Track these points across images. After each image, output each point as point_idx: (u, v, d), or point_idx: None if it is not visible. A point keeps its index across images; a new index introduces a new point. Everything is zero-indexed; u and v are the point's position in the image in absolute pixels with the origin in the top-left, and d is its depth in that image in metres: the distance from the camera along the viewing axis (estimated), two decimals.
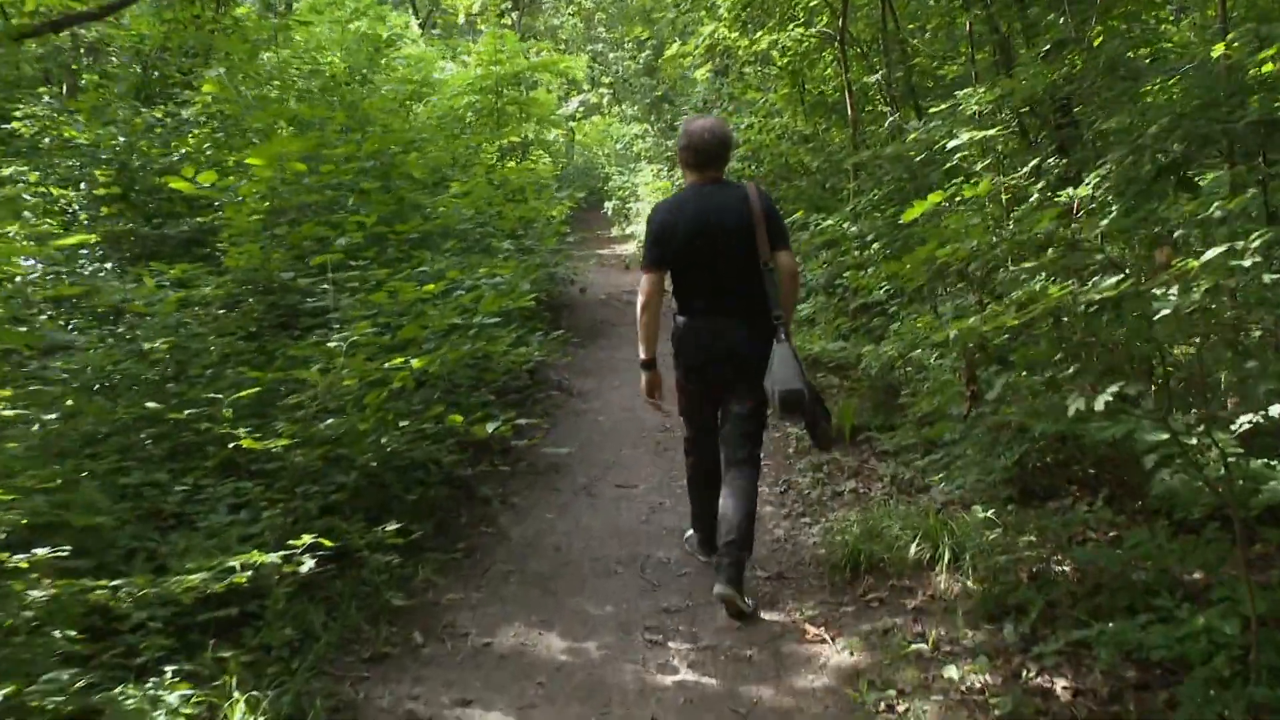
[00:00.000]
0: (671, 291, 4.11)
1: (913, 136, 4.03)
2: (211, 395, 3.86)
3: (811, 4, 7.83)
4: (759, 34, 8.27)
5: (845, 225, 5.76)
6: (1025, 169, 3.52)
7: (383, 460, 4.33)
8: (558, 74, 13.14)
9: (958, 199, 3.76)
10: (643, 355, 4.12)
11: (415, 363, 4.17)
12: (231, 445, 3.68)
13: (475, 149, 11.57)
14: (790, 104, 10.89)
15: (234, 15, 9.07)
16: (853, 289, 6.34)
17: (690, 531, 4.63)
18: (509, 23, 16.80)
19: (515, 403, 6.68)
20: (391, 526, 4.01)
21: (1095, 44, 4.34)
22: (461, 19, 22.76)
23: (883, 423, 5.90)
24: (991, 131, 3.77)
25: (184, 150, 6.52)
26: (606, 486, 5.63)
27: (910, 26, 9.25)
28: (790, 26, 7.87)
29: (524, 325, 7.95)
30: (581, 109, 19.70)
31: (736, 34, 8.53)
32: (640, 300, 4.01)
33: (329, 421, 4.13)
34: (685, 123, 4.19)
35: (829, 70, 11.13)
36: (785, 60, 10.82)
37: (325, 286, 5.11)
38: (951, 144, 3.90)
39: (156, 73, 8.24)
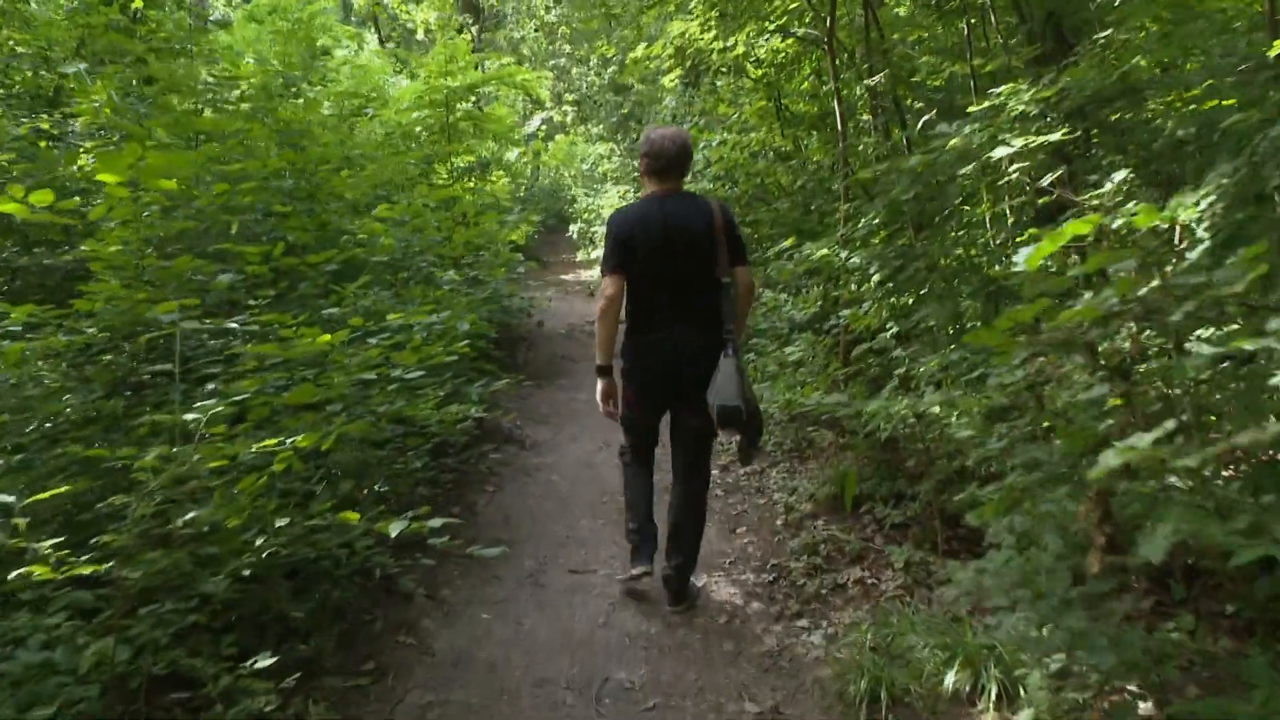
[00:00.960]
0: (625, 302, 4.02)
1: (952, 143, 3.12)
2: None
3: (792, 4, 6.94)
4: (733, 38, 7.36)
5: (840, 254, 4.84)
6: (1114, 184, 2.62)
7: (264, 563, 3.32)
8: (516, 87, 12.19)
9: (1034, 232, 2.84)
10: (599, 361, 4.11)
11: (300, 440, 3.18)
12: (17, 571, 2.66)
13: (426, 165, 10.63)
14: (765, 119, 10.03)
15: (149, 17, 8.10)
16: (848, 328, 5.42)
17: (622, 575, 4.41)
18: (469, 37, 15.87)
19: (451, 469, 5.67)
20: (262, 663, 3.01)
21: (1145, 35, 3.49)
22: (421, 34, 21.81)
23: (889, 491, 4.97)
24: (1056, 136, 2.86)
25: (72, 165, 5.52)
26: (558, 572, 4.64)
27: (895, 36, 8.45)
28: (770, 28, 6.96)
29: (468, 370, 7.00)
30: (544, 127, 18.75)
31: (710, 35, 7.63)
32: (601, 304, 3.95)
33: (188, 516, 3.14)
34: (647, 131, 4.13)
35: (806, 84, 10.31)
36: (760, 72, 9.99)
37: (204, 334, 4.12)
38: (999, 152, 2.99)
39: (57, 82, 7.24)
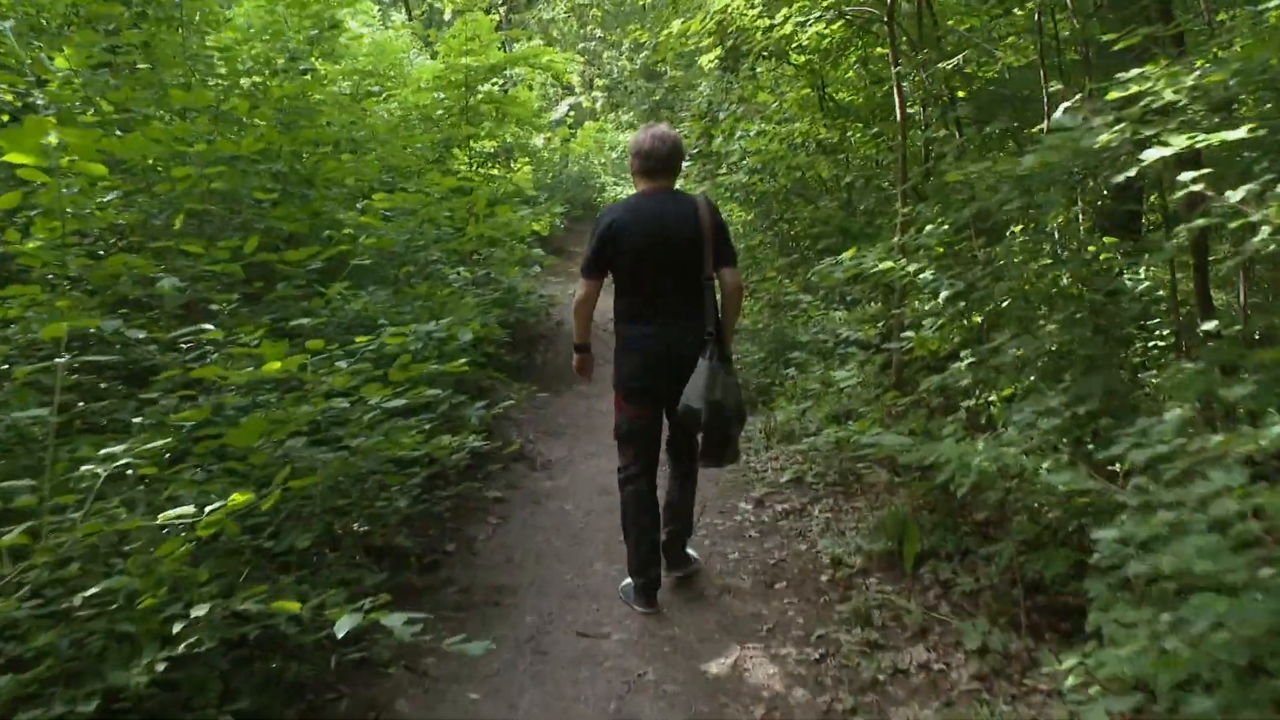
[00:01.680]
0: (614, 301, 4.08)
1: (1106, 138, 2.38)
2: None
3: None
4: (781, 14, 6.59)
5: (906, 266, 4.10)
6: None
7: (185, 653, 2.65)
8: (543, 69, 11.48)
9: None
10: (576, 340, 4.33)
11: (236, 498, 2.50)
12: None
13: (443, 150, 9.95)
14: (807, 109, 9.26)
15: None
16: (908, 351, 4.68)
17: (627, 581, 4.30)
18: (495, 17, 15.13)
19: (450, 496, 4.98)
20: None
21: None
22: (448, 15, 21.11)
23: (954, 547, 4.24)
24: (1240, 132, 2.12)
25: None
26: (564, 634, 3.94)
27: (949, 22, 7.73)
28: (823, 4, 6.20)
29: (474, 383, 6.32)
30: (572, 113, 18.01)
31: (754, 13, 6.87)
32: (577, 299, 4.10)
33: (89, 592, 2.47)
34: (638, 130, 4.14)
35: (850, 72, 9.53)
36: (803, 59, 9.22)
37: (148, 346, 3.46)
38: (1150, 154, 2.25)
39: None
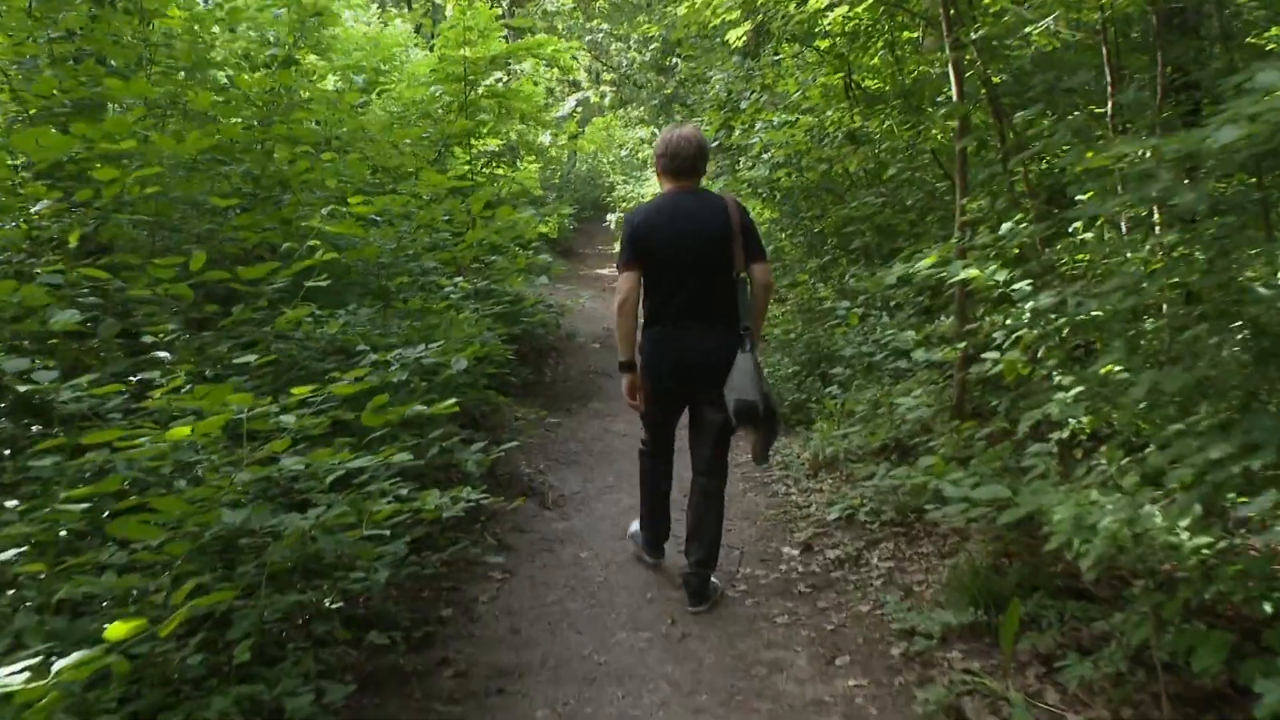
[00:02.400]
0: (643, 301, 4.03)
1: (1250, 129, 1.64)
2: None
3: None
4: None
5: (992, 272, 3.34)
6: None
7: None
8: (546, 60, 10.74)
9: None
10: (622, 357, 4.07)
11: (115, 629, 1.77)
12: None
13: (442, 149, 9.23)
14: (831, 98, 8.49)
15: None
16: (964, 371, 3.91)
17: (635, 528, 4.54)
18: (497, 10, 14.38)
19: (447, 545, 4.23)
20: None
21: None
22: (449, 9, 20.40)
23: (1056, 614, 3.48)
24: None
25: None
26: None
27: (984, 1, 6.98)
28: None
29: (471, 410, 5.61)
30: (579, 109, 17.24)
31: None
32: (618, 299, 3.97)
33: None
34: (664, 131, 4.13)
35: (876, 58, 8.77)
36: (827, 43, 8.46)
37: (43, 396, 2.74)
38: None
39: None
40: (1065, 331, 3.32)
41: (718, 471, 4.16)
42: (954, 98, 5.01)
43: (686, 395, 4.09)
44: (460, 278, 6.13)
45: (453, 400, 3.13)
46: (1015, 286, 3.24)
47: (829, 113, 7.90)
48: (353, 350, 4.17)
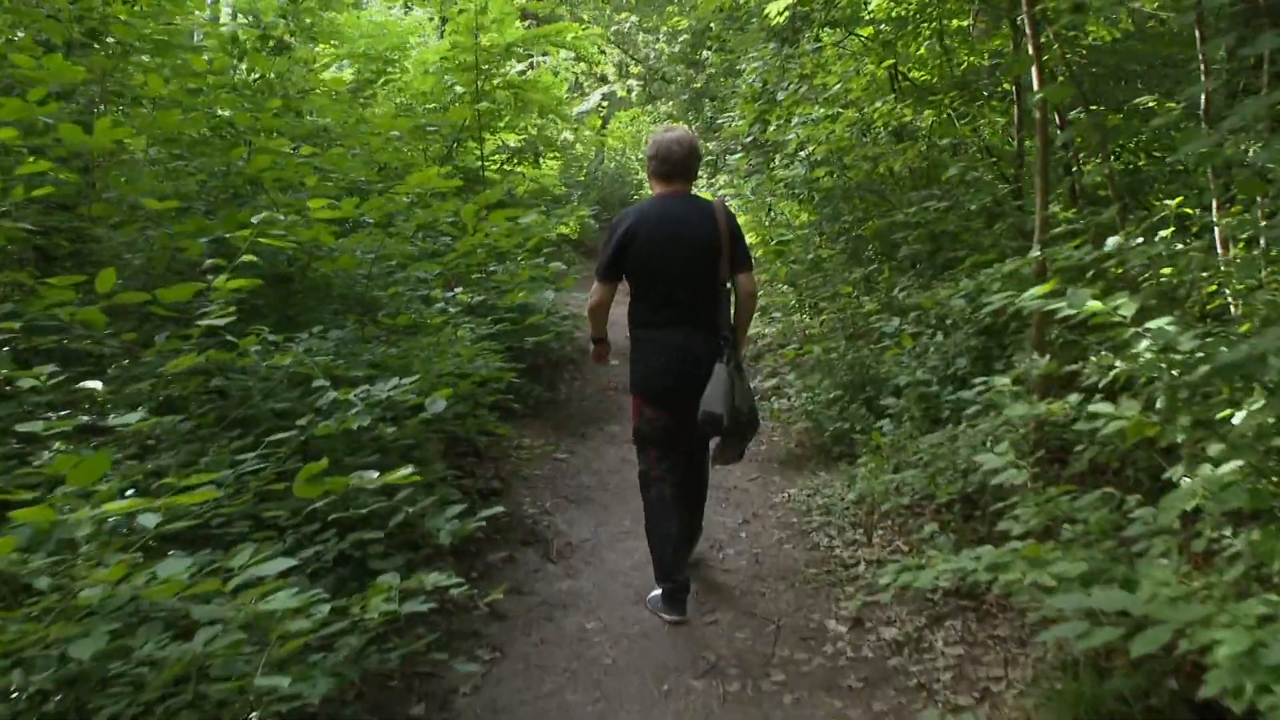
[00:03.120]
0: (629, 306, 4.05)
1: None
2: None
3: None
4: None
5: (1117, 308, 2.55)
6: None
7: None
8: (566, 49, 10.02)
9: None
10: (593, 334, 4.31)
11: None
12: None
13: (452, 142, 8.53)
14: (871, 92, 7.68)
15: None
16: (1092, 441, 3.14)
17: (656, 592, 4.08)
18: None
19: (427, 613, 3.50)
20: None
21: None
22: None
23: None
24: None
25: None
26: None
27: None
28: None
29: (471, 431, 4.91)
30: (605, 104, 16.45)
31: None
32: (591, 303, 4.08)
33: None
34: (654, 134, 4.14)
35: (923, 49, 7.96)
36: (870, 31, 7.68)
37: None
38: None
39: None
40: (1207, 382, 2.54)
41: (699, 479, 4.36)
42: (1034, 84, 4.21)
43: (678, 398, 3.95)
44: (459, 289, 5.42)
45: (410, 470, 2.39)
46: (1152, 324, 2.46)
47: (875, 105, 7.09)
48: (316, 386, 3.46)
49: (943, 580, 3.62)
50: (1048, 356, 3.45)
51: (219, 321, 2.85)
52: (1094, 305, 2.47)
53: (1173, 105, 5.44)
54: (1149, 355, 2.69)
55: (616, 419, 7.09)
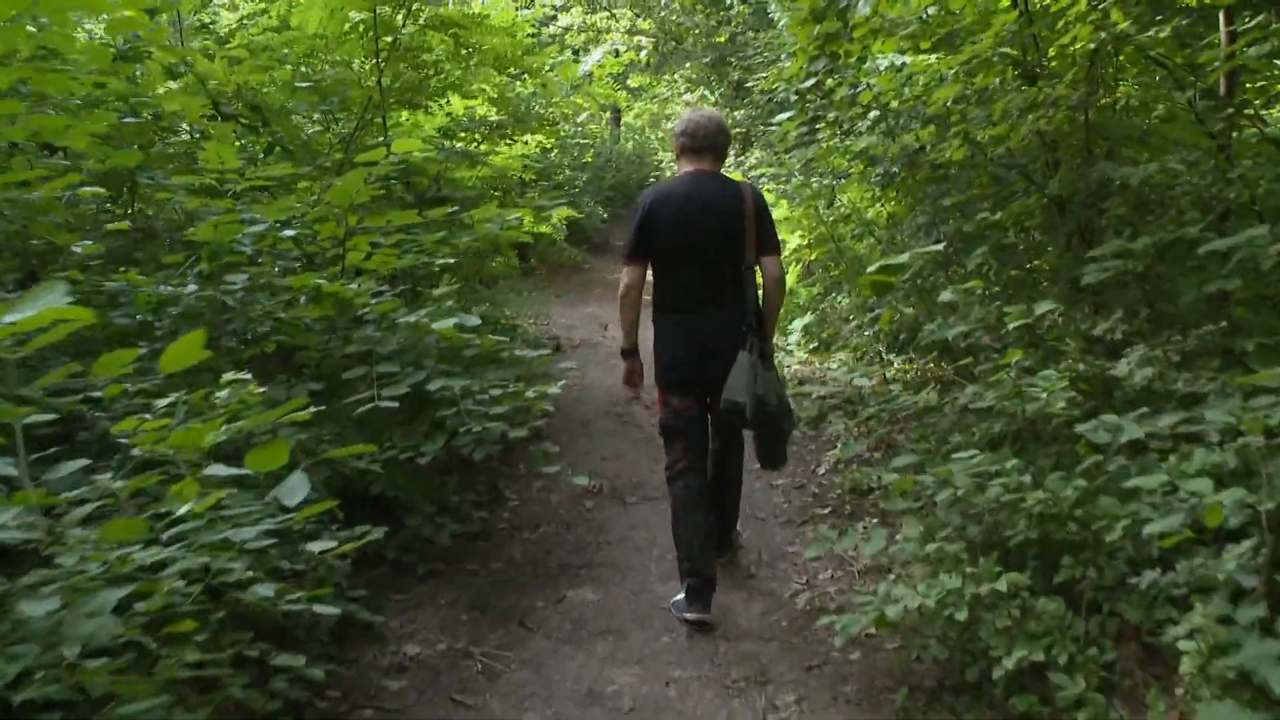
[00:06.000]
0: (653, 288, 3.88)
1: None
2: None
3: None
4: None
5: None
6: None
7: None
8: None
9: None
10: (624, 345, 4.03)
11: None
12: None
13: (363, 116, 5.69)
14: (971, 70, 4.63)
15: None
16: None
17: (679, 596, 3.77)
18: None
19: None
20: None
21: None
22: None
23: None
24: None
25: None
26: None
27: None
28: None
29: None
30: (602, 64, 13.32)
31: None
32: (620, 291, 3.87)
33: None
34: (684, 113, 4.08)
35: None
36: None
37: None
38: None
39: None
40: None
41: (731, 460, 4.05)
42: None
43: (704, 385, 3.79)
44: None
45: None
46: None
47: (980, 77, 4.22)
48: None
49: None
50: None
51: None
52: None
53: None
54: None
55: (600, 565, 4.20)
